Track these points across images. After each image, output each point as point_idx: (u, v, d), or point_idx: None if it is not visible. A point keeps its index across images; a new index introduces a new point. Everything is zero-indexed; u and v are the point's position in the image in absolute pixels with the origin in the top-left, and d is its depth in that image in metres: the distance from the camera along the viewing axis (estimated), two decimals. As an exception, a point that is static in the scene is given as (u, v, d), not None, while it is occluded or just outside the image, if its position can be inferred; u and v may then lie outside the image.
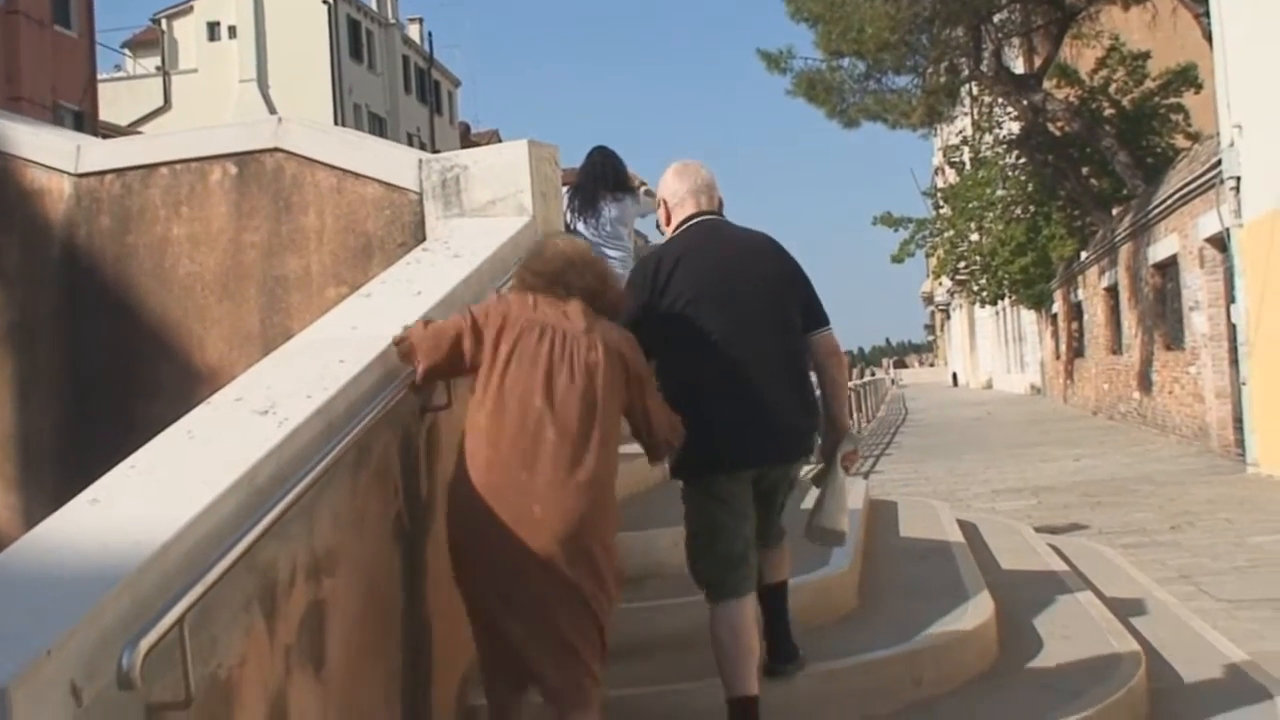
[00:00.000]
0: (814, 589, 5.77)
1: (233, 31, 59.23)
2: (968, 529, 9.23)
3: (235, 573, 3.09)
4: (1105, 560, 9.38)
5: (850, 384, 31.65)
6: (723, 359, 4.69)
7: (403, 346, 4.26)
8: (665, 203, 5.14)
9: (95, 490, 3.24)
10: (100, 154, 7.35)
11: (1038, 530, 10.56)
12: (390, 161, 6.63)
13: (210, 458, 3.40)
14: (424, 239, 6.24)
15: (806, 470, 5.26)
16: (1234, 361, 16.86)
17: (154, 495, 3.21)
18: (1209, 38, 19.48)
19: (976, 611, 5.83)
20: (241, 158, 6.88)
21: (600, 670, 4.09)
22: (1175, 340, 21.10)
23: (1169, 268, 21.14)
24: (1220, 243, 17.08)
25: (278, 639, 3.37)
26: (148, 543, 2.90)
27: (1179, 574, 9.18)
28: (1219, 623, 7.26)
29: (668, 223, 5.13)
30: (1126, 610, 7.02)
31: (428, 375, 4.25)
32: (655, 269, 4.82)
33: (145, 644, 2.63)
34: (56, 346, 7.31)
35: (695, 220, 5.02)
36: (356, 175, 6.63)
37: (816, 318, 5.02)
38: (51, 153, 7.37)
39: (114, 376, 7.14)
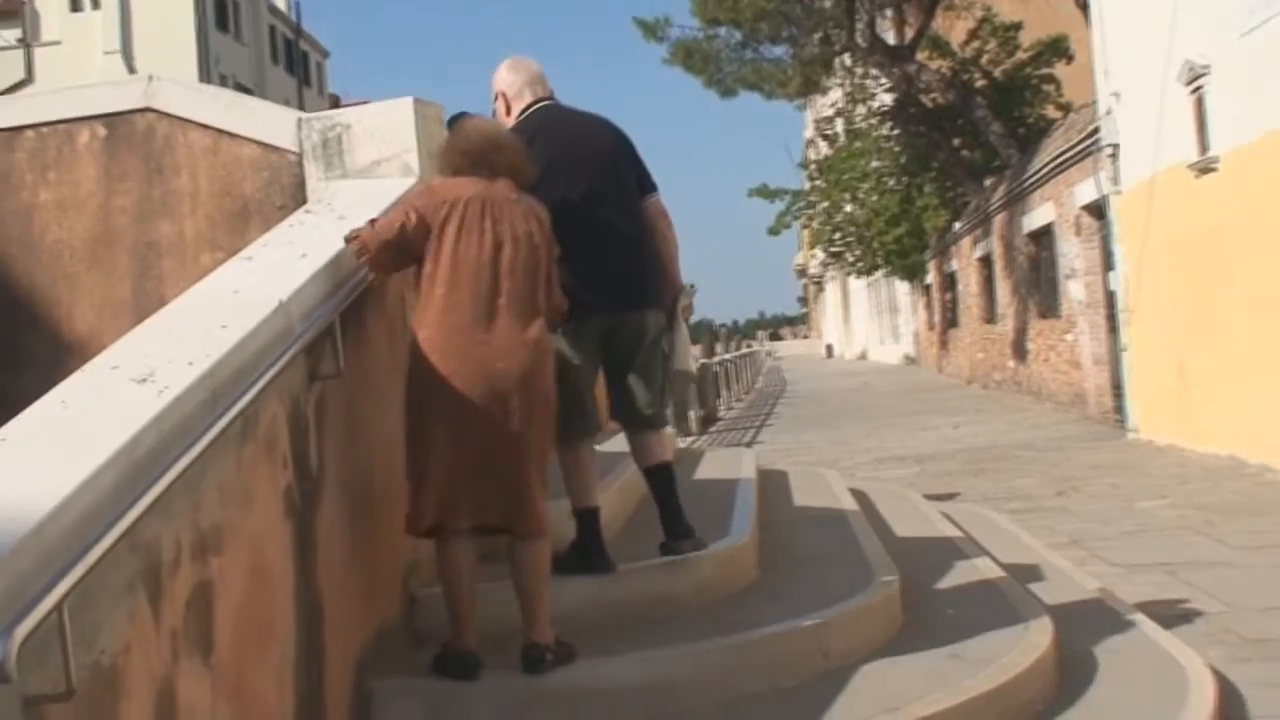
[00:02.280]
0: (715, 560, 5.60)
1: (96, 2, 57.84)
2: (859, 497, 9.19)
3: (117, 552, 2.85)
4: (997, 527, 9.38)
5: (727, 356, 31.94)
6: (577, 221, 5.16)
7: (354, 245, 4.65)
8: (504, 95, 5.65)
9: (-42, 465, 2.99)
10: (-40, 116, 6.95)
11: (927, 498, 10.54)
12: (268, 121, 6.32)
13: (86, 429, 3.14)
14: (305, 202, 5.96)
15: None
16: (1112, 329, 17.06)
17: (27, 470, 2.94)
18: (1083, 7, 19.68)
19: (880, 579, 5.72)
20: (111, 119, 6.52)
21: (544, 502, 4.68)
22: (1050, 309, 21.36)
23: (1043, 236, 21.39)
24: (1097, 210, 17.27)
25: (164, 623, 3.13)
26: (23, 520, 2.65)
27: (1070, 539, 9.23)
28: (1115, 587, 7.24)
29: (507, 113, 5.63)
30: (1024, 576, 6.98)
31: (381, 266, 4.71)
32: None
33: (21, 631, 2.40)
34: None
35: (537, 105, 5.59)
36: (232, 135, 6.31)
37: (647, 184, 5.66)
38: (-94, 114, 6.97)
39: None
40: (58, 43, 56.31)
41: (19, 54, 55.36)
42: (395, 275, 4.96)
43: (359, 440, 4.79)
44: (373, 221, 4.71)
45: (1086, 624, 6.06)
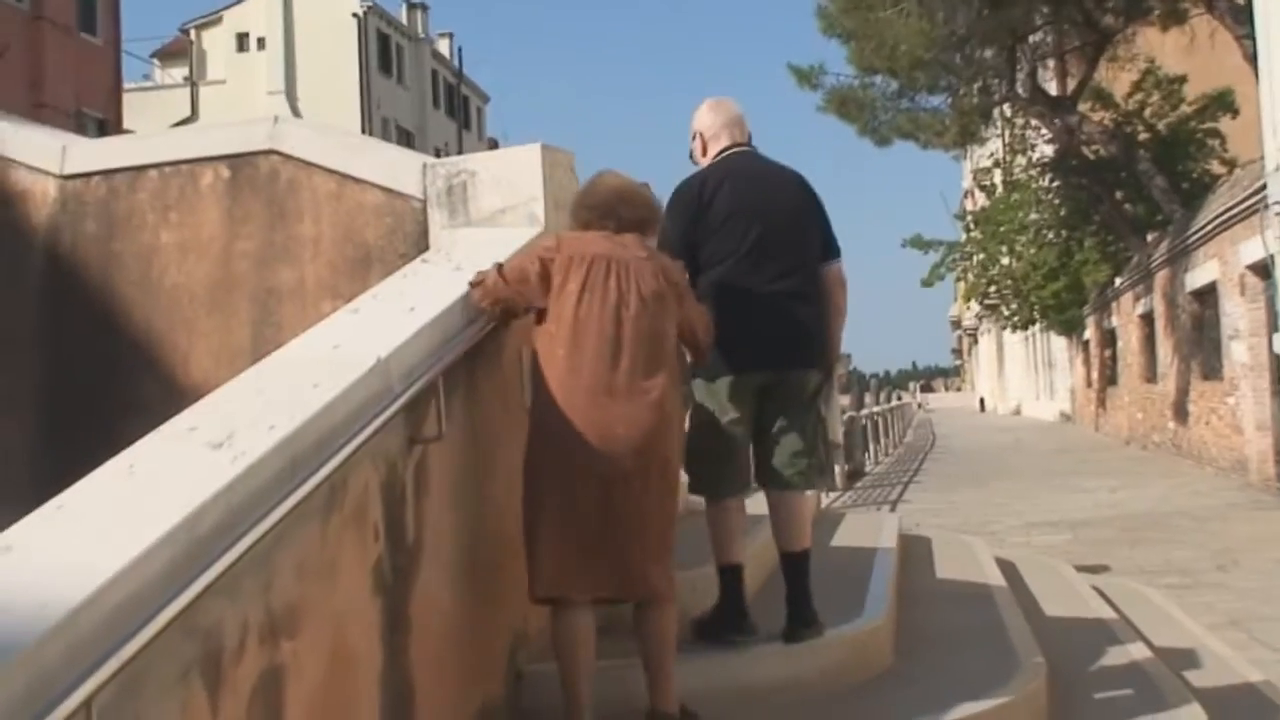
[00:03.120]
0: (848, 644, 5.23)
1: (261, 43, 59.28)
2: (1006, 568, 8.73)
3: (168, 638, 2.60)
4: (1151, 605, 8.86)
5: (875, 408, 31.44)
6: (745, 273, 5.15)
7: (476, 291, 4.63)
8: (701, 135, 5.58)
9: (11, 535, 2.76)
10: (87, 154, 6.86)
11: (1078, 570, 10.03)
12: (393, 166, 6.12)
13: (150, 500, 2.90)
14: (427, 249, 5.74)
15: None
16: (1276, 393, 16.33)
17: (77, 544, 2.71)
18: (1251, 60, 18.98)
19: (1027, 670, 5.30)
20: (235, 160, 6.39)
21: (669, 566, 4.51)
22: (1212, 370, 20.60)
23: (1207, 295, 20.64)
24: (1263, 270, 16.58)
25: (223, 714, 2.86)
26: (56, 606, 2.40)
27: (1229, 620, 8.67)
28: (1277, 676, 6.73)
29: (704, 153, 5.56)
30: (1179, 663, 6.51)
31: (498, 312, 4.65)
32: (701, 188, 5.27)
33: (42, 733, 2.15)
34: (38, 360, 6.83)
35: (733, 150, 5.49)
36: (357, 180, 6.13)
37: (831, 248, 5.55)
38: (35, 152, 6.89)
39: (97, 392, 6.67)
40: (223, 82, 57.73)
41: (185, 92, 56.80)
42: (515, 329, 4.82)
43: (464, 507, 4.50)
44: (499, 266, 4.66)
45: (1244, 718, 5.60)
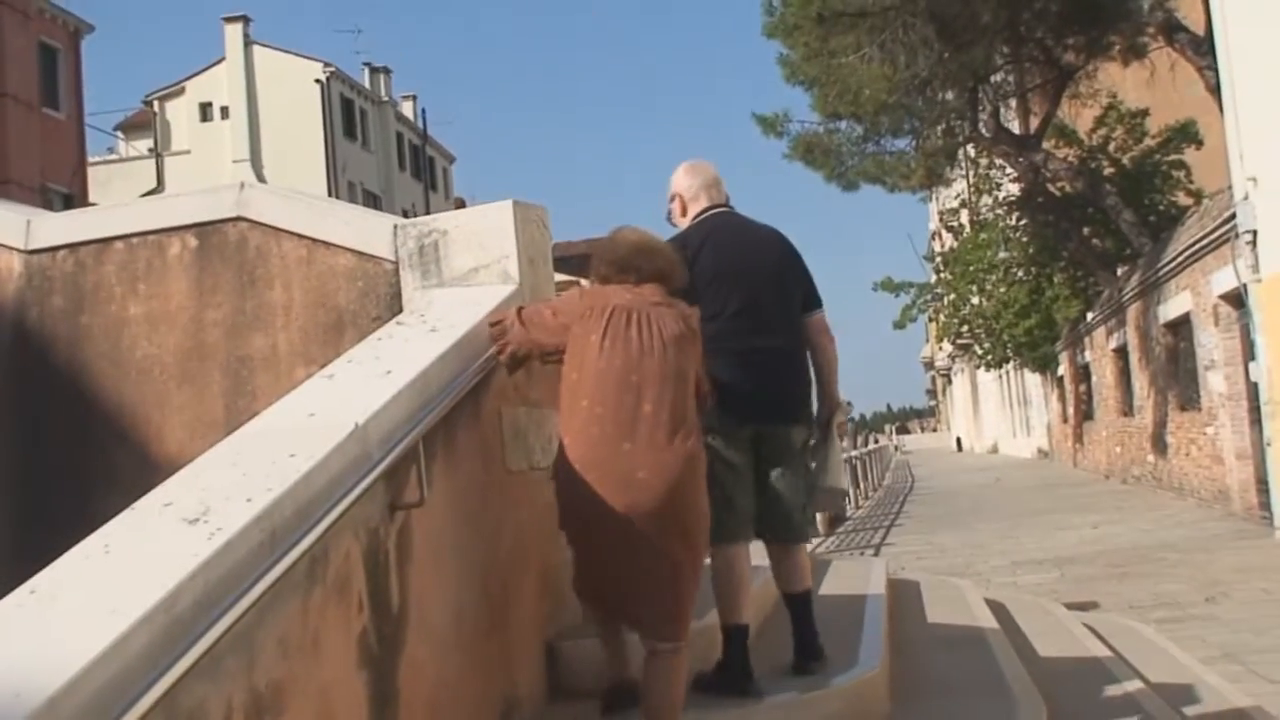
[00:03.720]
0: (844, 695, 5.13)
1: (225, 112, 59.34)
2: (997, 609, 8.66)
3: (149, 724, 2.50)
4: (1144, 640, 8.79)
5: (854, 453, 31.36)
6: (732, 332, 5.23)
7: (495, 330, 4.81)
8: (680, 197, 5.66)
9: (-18, 624, 2.66)
10: (52, 228, 6.76)
11: (1068, 608, 9.96)
12: (362, 229, 6.05)
13: (126, 579, 2.81)
14: (400, 312, 5.66)
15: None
16: (1255, 421, 16.31)
17: (53, 629, 2.61)
18: (1214, 90, 19.09)
19: (1027, 714, 5.23)
20: (202, 229, 6.30)
21: (689, 617, 4.56)
22: (1190, 400, 20.60)
23: (1181, 326, 20.65)
24: (1236, 299, 16.59)
25: (207, 800, 2.76)
26: (30, 697, 2.31)
27: (1222, 652, 8.59)
28: (1275, 707, 6.66)
29: (683, 214, 5.65)
30: (1178, 699, 6.44)
31: (514, 360, 4.81)
32: (684, 247, 5.26)
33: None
34: (8, 435, 6.72)
35: (713, 210, 5.59)
36: (327, 244, 6.05)
37: (812, 300, 5.67)
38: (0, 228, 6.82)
39: (70, 468, 6.55)
40: (187, 152, 57.73)
41: (150, 164, 56.77)
42: (494, 389, 4.87)
43: (449, 573, 4.40)
44: (520, 310, 4.82)
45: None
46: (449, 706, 4.21)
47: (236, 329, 6.17)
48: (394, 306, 5.82)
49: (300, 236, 6.14)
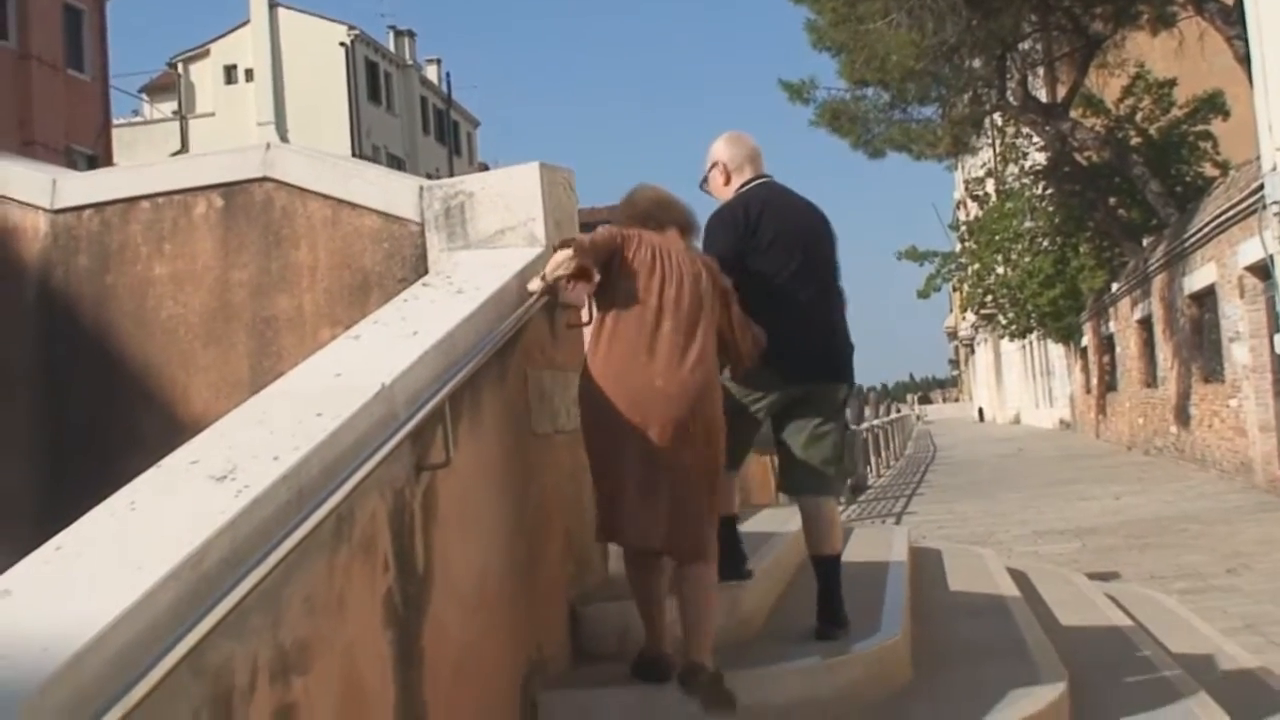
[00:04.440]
0: (865, 661, 5.12)
1: (250, 75, 59.24)
2: (1018, 578, 8.62)
3: (176, 680, 2.51)
4: (1165, 610, 8.75)
5: (876, 422, 31.33)
6: (789, 293, 5.45)
7: (570, 250, 4.84)
8: (725, 166, 5.77)
9: (7, 580, 2.67)
10: (78, 188, 6.77)
11: (1089, 577, 9.94)
12: (389, 190, 6.03)
13: (150, 537, 2.81)
14: (426, 273, 5.64)
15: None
16: (1279, 394, 16.23)
17: (79, 586, 2.62)
18: (1243, 60, 18.94)
19: (1049, 681, 5.19)
20: (228, 189, 6.30)
21: (713, 529, 4.80)
22: (1214, 373, 20.51)
23: (1206, 298, 20.55)
24: (1263, 271, 16.49)
25: (234, 757, 2.76)
26: (58, 652, 2.31)
27: (1244, 623, 8.57)
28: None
29: (725, 183, 5.77)
30: (1199, 669, 6.40)
31: (583, 273, 4.89)
32: (745, 212, 5.53)
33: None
34: (34, 396, 6.74)
35: (759, 180, 5.74)
36: (352, 205, 6.04)
37: (839, 272, 5.93)
38: (25, 187, 6.80)
39: (95, 428, 6.57)
40: (212, 114, 57.67)
41: (174, 126, 56.76)
42: (520, 350, 4.99)
43: (474, 535, 4.40)
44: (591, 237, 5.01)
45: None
46: (473, 668, 4.22)
47: (262, 289, 6.17)
48: (419, 268, 5.81)
49: (326, 197, 6.13)
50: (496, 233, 5.66)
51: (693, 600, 4.70)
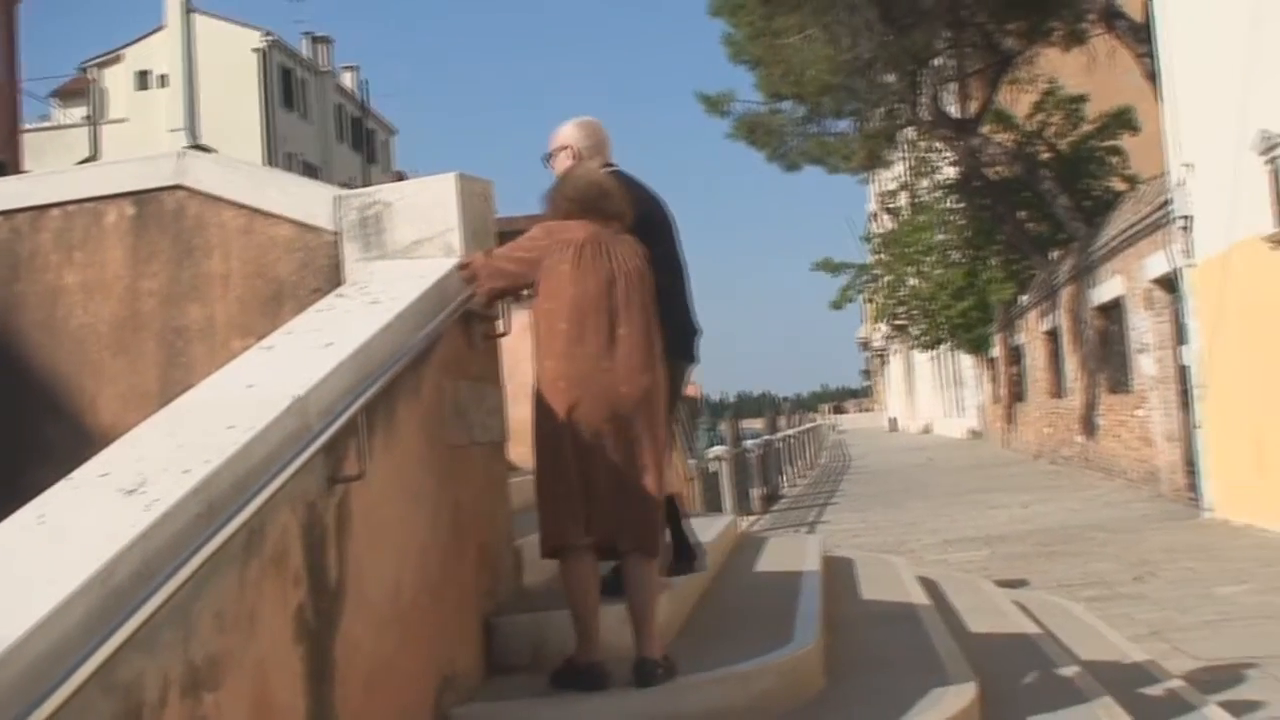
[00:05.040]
0: (779, 671, 5.15)
1: (163, 80, 58.68)
2: (929, 586, 8.72)
3: (86, 695, 2.49)
4: (1073, 618, 8.87)
5: (790, 431, 31.49)
6: (655, 276, 5.33)
7: (466, 272, 5.14)
8: (577, 152, 5.80)
9: (-85, 593, 2.63)
10: (-13, 195, 6.68)
11: (998, 585, 10.06)
12: (303, 199, 5.99)
13: (62, 550, 2.78)
14: (341, 284, 5.61)
15: None
16: (1185, 404, 16.50)
17: (-16, 603, 2.58)
18: (1151, 77, 19.25)
19: (959, 689, 5.26)
20: (140, 196, 6.22)
21: (661, 528, 5.09)
22: (1120, 383, 20.80)
23: (1113, 310, 20.84)
24: (1169, 284, 16.75)
25: (143, 773, 2.74)
26: (-37, 669, 2.28)
27: (1150, 630, 8.69)
28: (1201, 684, 6.76)
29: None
30: (1107, 675, 6.50)
31: (490, 294, 5.22)
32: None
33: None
34: (-62, 406, 6.62)
35: (612, 169, 5.71)
36: (266, 214, 6.00)
37: None
38: (-68, 194, 6.70)
39: (2, 439, 6.46)
40: (124, 120, 57.04)
41: (86, 132, 56.03)
42: (435, 362, 4.94)
43: (387, 546, 4.38)
44: (488, 251, 5.18)
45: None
46: (386, 681, 4.20)
47: (173, 299, 6.11)
48: (334, 278, 5.77)
49: (239, 206, 6.08)
50: (413, 243, 5.64)
51: (641, 594, 4.91)
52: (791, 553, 9.07)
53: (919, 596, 7.94)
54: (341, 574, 3.93)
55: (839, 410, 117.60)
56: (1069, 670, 6.39)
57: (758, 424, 32.11)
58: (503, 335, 5.85)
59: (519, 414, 6.23)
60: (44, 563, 2.73)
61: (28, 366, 6.33)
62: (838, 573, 8.90)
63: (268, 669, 3.39)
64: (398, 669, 4.32)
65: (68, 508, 3.03)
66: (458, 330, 5.35)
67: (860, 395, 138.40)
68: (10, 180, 7.60)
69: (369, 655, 4.09)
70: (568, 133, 5.89)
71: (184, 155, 6.31)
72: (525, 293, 5.20)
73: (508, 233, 6.58)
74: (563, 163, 5.81)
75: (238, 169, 6.43)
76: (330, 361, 4.11)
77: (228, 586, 3.21)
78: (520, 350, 6.35)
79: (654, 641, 4.89)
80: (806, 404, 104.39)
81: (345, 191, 5.97)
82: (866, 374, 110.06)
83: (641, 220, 5.45)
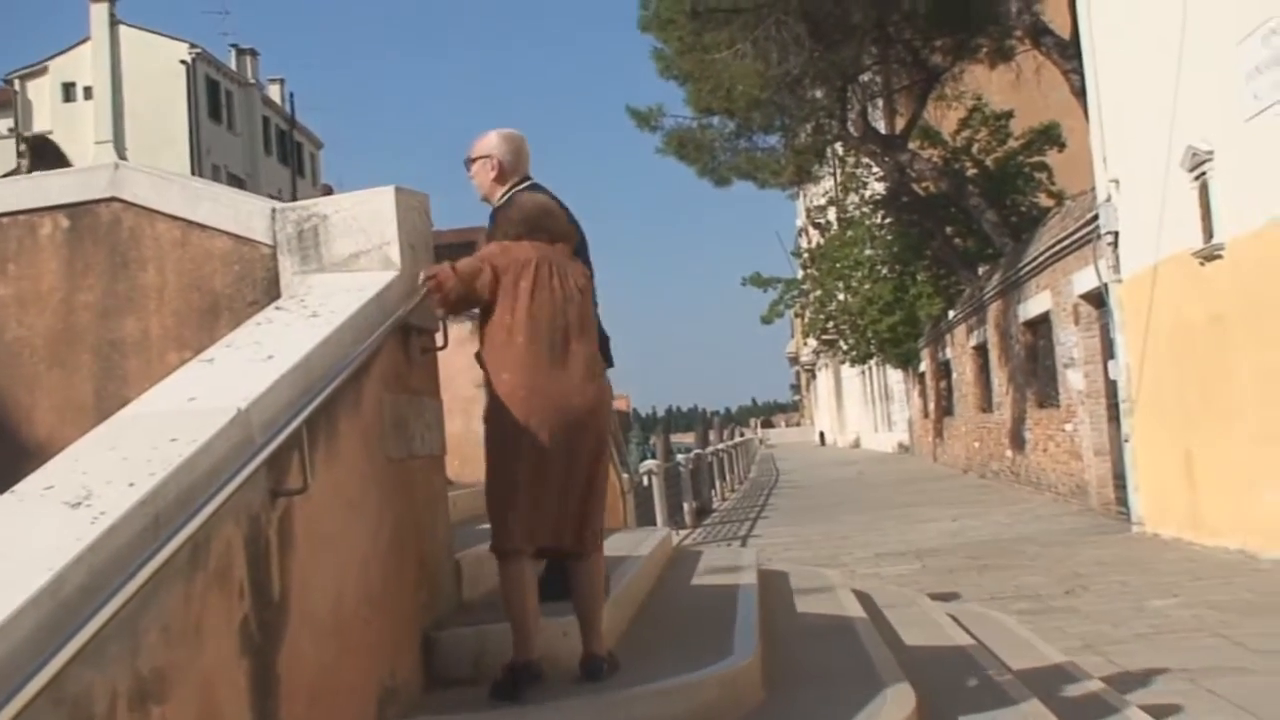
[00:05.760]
0: (719, 683, 5.17)
1: (88, 92, 58.14)
2: (864, 599, 8.79)
3: (36, 709, 2.46)
4: (1007, 630, 8.94)
5: (720, 446, 31.61)
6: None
7: (433, 282, 5.22)
8: (500, 163, 5.81)
9: None
10: (-84, 207, 6.59)
11: (931, 598, 10.14)
12: (240, 211, 5.95)
13: (7, 563, 2.75)
14: (278, 297, 5.58)
15: None
16: (1113, 418, 16.69)
17: (-68, 613, 2.55)
18: (1079, 94, 19.49)
19: (896, 700, 5.31)
20: (74, 209, 6.16)
21: (603, 527, 5.41)
22: (1048, 398, 21.01)
23: (1041, 325, 21.07)
24: (1096, 299, 16.95)
25: (91, 787, 2.72)
26: (-87, 682, 2.26)
27: (1083, 643, 8.77)
28: (1134, 696, 6.84)
29: (499, 180, 5.80)
30: (1041, 686, 6.56)
31: (450, 306, 5.35)
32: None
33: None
34: None
35: (532, 182, 5.84)
36: (202, 227, 5.96)
37: None
38: None
39: (-67, 453, 6.37)
40: (49, 132, 56.37)
41: (10, 143, 55.37)
42: (375, 375, 4.98)
43: (329, 559, 4.36)
44: (453, 264, 5.25)
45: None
46: (328, 694, 4.18)
47: (108, 312, 6.05)
48: (271, 291, 5.74)
49: (175, 218, 6.03)
50: (351, 256, 5.62)
51: (588, 592, 5.19)
52: (726, 566, 9.10)
53: (854, 609, 7.99)
54: (285, 587, 3.91)
55: (768, 425, 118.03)
56: (1004, 682, 6.46)
57: (688, 438, 32.23)
58: (441, 348, 5.85)
59: (453, 428, 6.24)
60: (-8, 576, 2.70)
61: (-41, 380, 6.25)
62: (773, 586, 8.93)
63: (214, 682, 3.37)
64: (340, 681, 4.30)
65: (12, 520, 3.00)
66: (396, 344, 5.34)
67: (789, 410, 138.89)
68: (-60, 192, 7.48)
69: (312, 668, 4.07)
70: (491, 142, 5.89)
71: (119, 168, 6.26)
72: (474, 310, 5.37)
73: (442, 246, 6.59)
74: (481, 170, 5.85)
75: (173, 182, 6.38)
76: (272, 374, 4.08)
77: (174, 600, 3.19)
78: (455, 364, 6.36)
79: (600, 639, 5.15)
80: (736, 419, 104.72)
81: (283, 205, 5.94)
82: (795, 389, 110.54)
83: (577, 234, 5.66)
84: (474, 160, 5.88)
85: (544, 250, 5.24)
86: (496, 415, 5.06)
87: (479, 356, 5.22)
